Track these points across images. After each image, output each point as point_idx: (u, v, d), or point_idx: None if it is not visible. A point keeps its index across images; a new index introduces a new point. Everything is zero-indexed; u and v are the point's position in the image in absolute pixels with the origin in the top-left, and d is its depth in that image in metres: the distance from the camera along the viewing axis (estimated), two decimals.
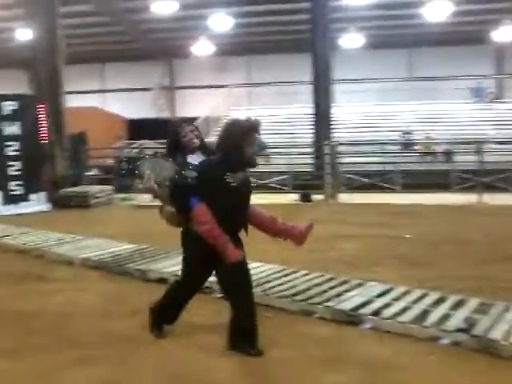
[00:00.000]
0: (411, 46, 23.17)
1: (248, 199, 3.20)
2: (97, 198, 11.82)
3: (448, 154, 16.33)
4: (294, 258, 5.49)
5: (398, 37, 22.41)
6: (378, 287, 4.28)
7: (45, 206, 11.15)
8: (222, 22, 20.54)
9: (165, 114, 26.19)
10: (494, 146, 15.71)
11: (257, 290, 3.83)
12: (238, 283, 3.12)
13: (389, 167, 15.08)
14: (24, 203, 10.84)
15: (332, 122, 15.70)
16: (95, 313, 4.01)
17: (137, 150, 19.75)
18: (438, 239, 6.75)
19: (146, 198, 12.88)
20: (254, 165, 3.08)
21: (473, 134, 16.67)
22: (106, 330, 3.62)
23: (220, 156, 3.08)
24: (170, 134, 3.54)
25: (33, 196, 11.10)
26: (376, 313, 3.68)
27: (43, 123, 11.37)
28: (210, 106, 21.95)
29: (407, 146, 17.78)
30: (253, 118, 3.10)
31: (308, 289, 4.25)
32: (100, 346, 3.34)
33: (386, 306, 3.81)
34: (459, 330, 3.32)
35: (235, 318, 3.15)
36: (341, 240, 6.74)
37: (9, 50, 22.33)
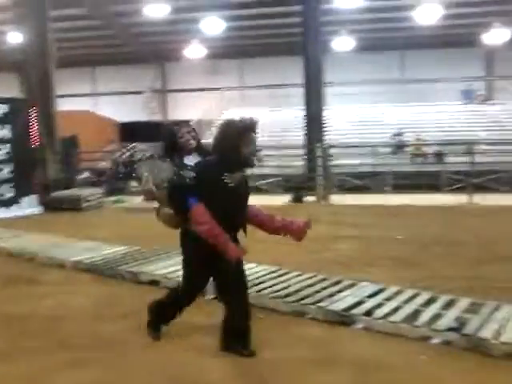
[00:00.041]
0: (402, 48, 23.32)
1: (246, 199, 3.19)
2: (88, 201, 11.77)
3: (439, 156, 16.44)
4: (287, 258, 5.51)
5: (389, 40, 22.55)
6: (370, 287, 4.30)
7: (36, 209, 11.09)
8: (213, 25, 20.57)
9: (157, 118, 26.15)
10: (484, 147, 15.83)
11: (250, 291, 3.83)
12: (233, 284, 3.12)
13: (380, 169, 15.15)
14: (15, 206, 10.78)
15: (324, 125, 15.74)
16: (87, 315, 4.00)
17: (129, 154, 19.73)
18: (429, 240, 6.79)
19: (137, 201, 12.89)
20: (251, 165, 3.06)
21: (463, 136, 16.79)
22: (98, 332, 3.61)
23: (217, 157, 3.07)
24: (167, 135, 3.51)
25: (24, 199, 11.04)
26: (368, 313, 3.69)
27: (34, 126, 11.32)
28: (202, 109, 21.93)
29: (398, 147, 17.86)
30: (249, 118, 3.07)
31: (301, 289, 4.26)
32: (91, 349, 3.32)
33: (378, 306, 3.83)
34: (450, 330, 3.34)
35: (229, 318, 3.14)
36: (333, 241, 6.77)
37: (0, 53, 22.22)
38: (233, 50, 23.97)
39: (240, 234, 3.20)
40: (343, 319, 3.68)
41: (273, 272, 4.84)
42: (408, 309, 3.75)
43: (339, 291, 4.21)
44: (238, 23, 21.17)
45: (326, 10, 17.38)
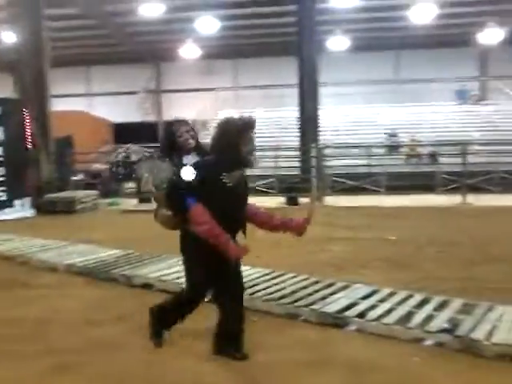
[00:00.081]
0: (397, 48, 23.36)
1: (245, 199, 3.15)
2: (82, 203, 11.72)
3: (433, 156, 16.49)
4: (281, 260, 5.51)
5: (384, 39, 22.58)
6: (363, 289, 4.30)
7: (29, 212, 11.03)
8: (208, 24, 20.52)
9: (151, 118, 26.11)
10: (478, 147, 15.89)
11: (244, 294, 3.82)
12: (231, 286, 3.10)
13: (375, 169, 15.17)
14: (8, 209, 10.71)
15: (318, 125, 15.75)
16: (78, 319, 3.97)
17: (124, 154, 19.67)
18: (423, 241, 6.81)
19: (132, 203, 12.86)
20: (250, 164, 3.03)
21: (457, 136, 16.84)
22: (89, 336, 3.59)
23: (215, 156, 3.02)
24: (165, 134, 3.43)
25: (17, 202, 10.97)
26: (361, 315, 3.69)
27: (28, 127, 11.26)
28: (196, 109, 21.90)
29: (393, 148, 17.90)
30: (247, 116, 3.03)
31: (294, 292, 4.26)
32: (82, 353, 3.30)
33: (371, 307, 3.83)
34: (443, 331, 3.34)
35: (223, 321, 3.12)
36: (327, 242, 6.77)
37: None
38: (227, 50, 23.94)
39: (239, 235, 3.14)
40: (336, 321, 3.67)
41: (266, 274, 4.83)
42: (401, 310, 3.75)
43: (332, 293, 4.21)
44: (233, 23, 21.14)
45: (320, 9, 17.37)
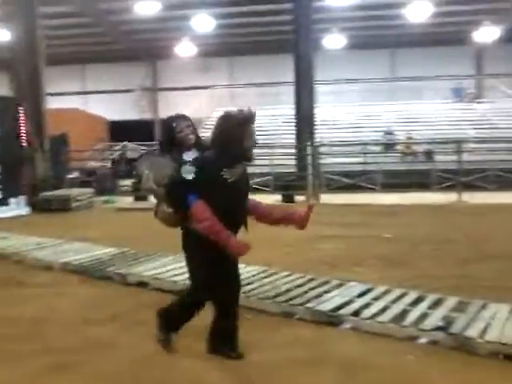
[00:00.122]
0: (393, 46, 23.38)
1: (246, 194, 3.10)
2: (78, 201, 11.70)
3: (429, 154, 16.52)
4: (276, 259, 5.52)
5: (380, 37, 22.59)
6: (358, 287, 4.32)
7: (24, 210, 11.00)
8: (204, 22, 20.48)
9: (147, 116, 26.05)
10: (473, 145, 15.94)
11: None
12: (230, 283, 3.09)
13: (370, 167, 15.20)
14: (3, 207, 10.68)
15: (314, 123, 15.76)
16: (74, 318, 3.97)
17: (120, 152, 19.65)
18: (418, 239, 6.83)
19: (127, 201, 12.85)
20: (250, 158, 2.98)
21: (453, 134, 16.88)
22: (86, 335, 3.58)
23: (215, 151, 2.96)
24: (165, 129, 3.31)
25: (12, 200, 10.94)
26: (356, 313, 3.70)
27: (23, 125, 11.23)
28: (192, 107, 21.86)
29: (389, 146, 17.93)
30: (247, 109, 2.95)
31: (289, 290, 4.26)
32: (78, 352, 3.29)
33: (366, 306, 3.84)
34: (437, 329, 3.36)
35: (218, 319, 3.12)
36: (322, 240, 6.78)
37: None
38: (223, 48, 23.91)
39: (241, 230, 3.10)
40: (331, 319, 3.68)
41: (261, 273, 4.84)
42: (396, 308, 3.77)
43: (327, 291, 4.22)
44: (229, 21, 21.11)
45: (317, 7, 17.38)
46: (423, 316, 3.60)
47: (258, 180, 14.08)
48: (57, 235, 7.32)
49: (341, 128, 20.12)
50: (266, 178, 14.51)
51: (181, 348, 3.27)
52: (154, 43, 24.08)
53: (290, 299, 4.02)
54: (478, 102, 21.86)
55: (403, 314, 3.66)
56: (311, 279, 4.60)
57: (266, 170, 14.67)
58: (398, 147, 17.74)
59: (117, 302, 4.31)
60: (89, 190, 12.91)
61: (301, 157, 14.42)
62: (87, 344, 3.42)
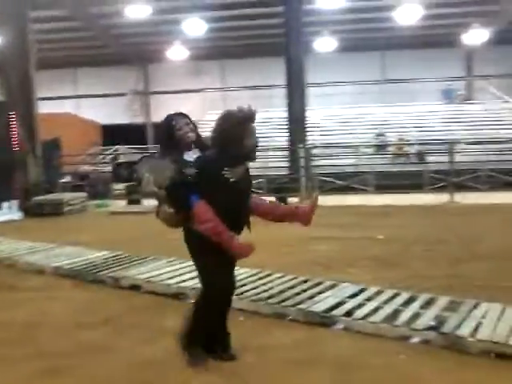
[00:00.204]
0: (383, 48, 23.49)
1: (248, 194, 3.04)
2: (70, 205, 11.66)
3: (420, 155, 16.61)
4: (269, 260, 5.51)
5: (371, 40, 22.70)
6: (350, 288, 4.33)
7: (16, 215, 10.95)
8: (195, 26, 20.51)
9: (139, 120, 26.00)
10: (464, 146, 16.04)
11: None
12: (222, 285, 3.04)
13: (363, 169, 15.26)
14: None
15: (306, 125, 15.80)
16: (66, 322, 3.95)
17: (112, 156, 19.59)
18: (410, 239, 6.86)
19: (120, 205, 12.80)
20: (253, 157, 2.94)
21: (444, 135, 16.99)
22: (78, 339, 3.57)
23: (216, 151, 2.91)
24: (164, 127, 3.18)
25: (4, 204, 10.90)
26: (348, 313, 3.72)
27: (15, 130, 11.19)
28: (184, 110, 21.64)
29: (381, 147, 18.01)
30: (247, 108, 2.90)
31: (282, 291, 4.27)
32: (71, 356, 3.28)
33: (359, 306, 3.86)
34: (429, 329, 3.37)
35: (194, 319, 3.03)
36: (315, 242, 6.79)
37: None
38: (215, 51, 23.92)
39: (244, 230, 3.06)
40: (324, 320, 3.69)
41: (254, 274, 4.84)
42: (388, 309, 3.78)
43: (320, 292, 4.23)
44: (220, 24, 21.13)
45: (307, 10, 17.44)
46: (415, 316, 3.61)
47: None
48: (49, 239, 7.29)
49: (333, 130, 20.18)
50: (259, 180, 14.51)
51: (173, 350, 3.26)
52: (146, 47, 24.06)
53: (283, 300, 4.02)
54: (469, 104, 22.04)
55: (395, 314, 3.68)
56: (304, 280, 4.61)
57: (258, 172, 14.68)
58: (390, 149, 17.83)
59: (109, 305, 4.29)
60: (81, 195, 12.87)
61: (293, 159, 14.46)
62: (80, 348, 3.40)
